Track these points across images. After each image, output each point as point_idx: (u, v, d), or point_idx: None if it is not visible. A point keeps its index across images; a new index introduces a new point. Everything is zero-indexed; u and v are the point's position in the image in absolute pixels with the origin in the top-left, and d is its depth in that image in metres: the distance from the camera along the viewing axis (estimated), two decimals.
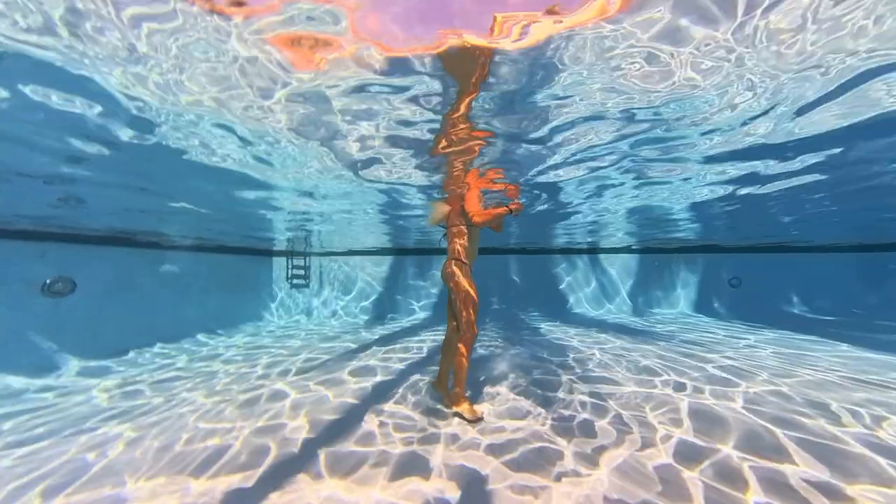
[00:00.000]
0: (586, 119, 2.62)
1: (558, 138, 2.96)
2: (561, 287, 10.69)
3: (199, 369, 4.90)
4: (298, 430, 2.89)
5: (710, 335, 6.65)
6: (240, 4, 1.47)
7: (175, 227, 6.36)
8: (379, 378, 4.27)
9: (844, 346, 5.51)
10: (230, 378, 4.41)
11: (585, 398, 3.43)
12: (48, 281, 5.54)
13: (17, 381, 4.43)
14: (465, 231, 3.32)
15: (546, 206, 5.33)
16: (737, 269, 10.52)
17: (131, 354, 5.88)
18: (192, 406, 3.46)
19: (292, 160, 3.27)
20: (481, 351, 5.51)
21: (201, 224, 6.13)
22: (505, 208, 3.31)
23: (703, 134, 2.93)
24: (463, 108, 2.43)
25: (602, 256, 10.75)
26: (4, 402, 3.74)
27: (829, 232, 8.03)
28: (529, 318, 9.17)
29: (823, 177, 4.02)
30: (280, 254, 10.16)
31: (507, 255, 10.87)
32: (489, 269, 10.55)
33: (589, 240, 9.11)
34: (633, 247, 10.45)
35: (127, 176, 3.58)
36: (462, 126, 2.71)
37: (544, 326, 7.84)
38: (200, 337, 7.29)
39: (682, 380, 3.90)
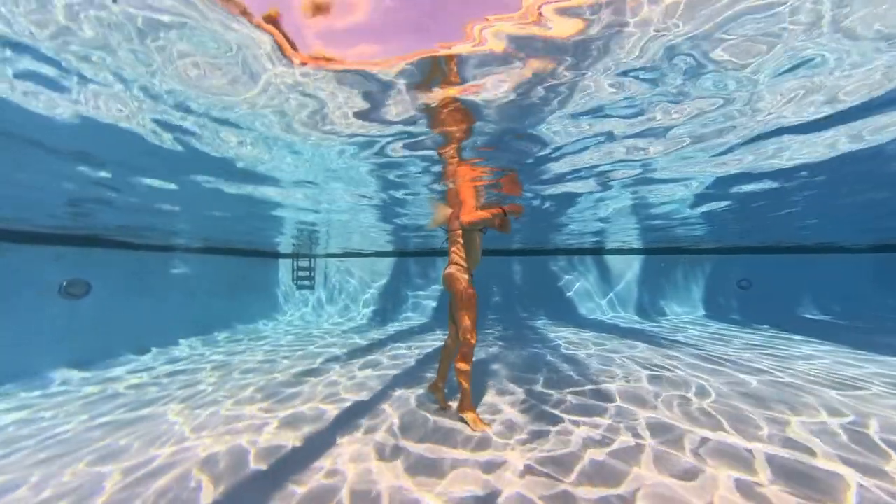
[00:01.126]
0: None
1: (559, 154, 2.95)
2: (564, 289, 10.62)
3: (208, 365, 5.06)
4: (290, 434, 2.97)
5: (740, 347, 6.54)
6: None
7: (188, 232, 6.52)
8: (380, 378, 4.34)
9: None
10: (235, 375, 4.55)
11: (591, 401, 3.44)
12: (64, 283, 5.74)
13: (42, 377, 4.65)
14: (466, 235, 3.23)
15: (550, 207, 5.26)
16: (747, 271, 10.33)
17: (148, 352, 6.08)
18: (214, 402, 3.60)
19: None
20: (490, 352, 5.54)
21: (216, 228, 6.26)
22: (498, 209, 3.19)
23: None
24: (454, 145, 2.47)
25: (608, 258, 10.66)
26: (39, 395, 3.93)
27: (844, 232, 7.78)
28: (535, 320, 9.15)
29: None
30: (286, 256, 10.33)
31: (512, 256, 10.85)
32: (496, 271, 10.55)
33: (594, 240, 9.00)
34: (639, 248, 10.34)
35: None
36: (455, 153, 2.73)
37: (550, 329, 7.81)
38: (209, 336, 7.48)
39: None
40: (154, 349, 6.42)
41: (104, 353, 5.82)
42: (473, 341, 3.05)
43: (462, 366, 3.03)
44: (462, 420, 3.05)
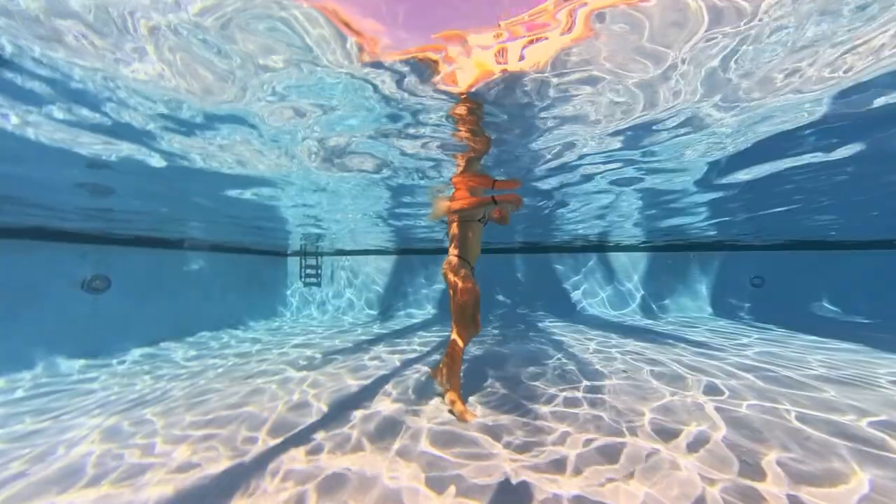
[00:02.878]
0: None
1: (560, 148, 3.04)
2: (569, 287, 10.57)
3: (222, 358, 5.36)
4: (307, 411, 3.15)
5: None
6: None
7: (200, 231, 6.84)
8: (382, 370, 4.48)
9: None
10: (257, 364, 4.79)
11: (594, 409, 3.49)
12: (88, 278, 6.13)
13: (70, 367, 5.03)
14: (464, 227, 3.23)
15: (555, 199, 5.20)
16: (759, 268, 10.04)
17: (164, 345, 6.44)
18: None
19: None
20: (490, 347, 5.63)
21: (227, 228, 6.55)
22: (489, 197, 3.12)
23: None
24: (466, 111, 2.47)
25: (613, 255, 10.54)
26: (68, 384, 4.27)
27: (863, 227, 7.44)
28: (537, 317, 9.16)
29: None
30: (294, 254, 10.65)
31: (514, 253, 10.85)
32: (502, 269, 10.58)
33: (598, 235, 8.89)
34: (646, 245, 10.19)
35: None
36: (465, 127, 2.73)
37: (551, 326, 7.82)
38: (222, 331, 7.83)
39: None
40: (170, 343, 6.77)
41: (128, 344, 6.21)
42: (465, 333, 3.08)
43: (452, 356, 3.08)
44: (450, 411, 3.14)
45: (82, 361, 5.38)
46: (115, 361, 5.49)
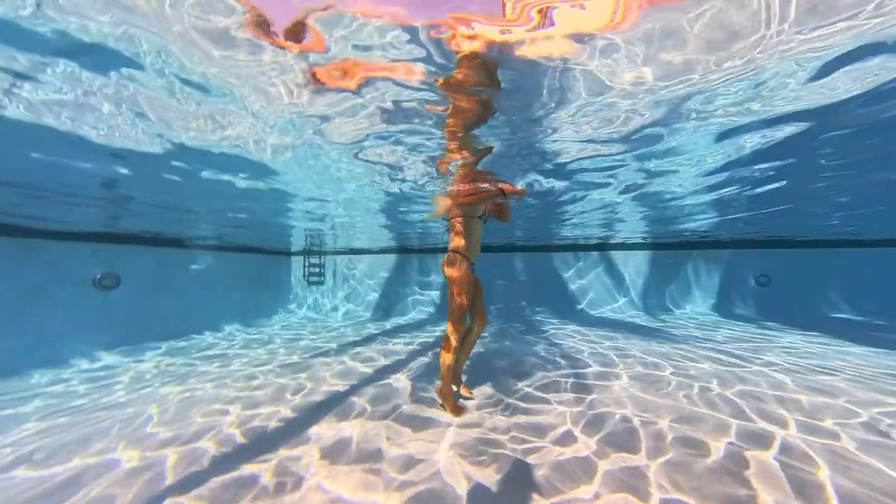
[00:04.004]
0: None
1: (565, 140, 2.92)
2: (571, 287, 10.53)
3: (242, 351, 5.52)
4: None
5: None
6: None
7: (206, 230, 6.99)
8: (387, 365, 4.54)
9: None
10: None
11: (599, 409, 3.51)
12: (98, 276, 6.34)
13: (84, 362, 5.22)
14: (465, 223, 3.26)
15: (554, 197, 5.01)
16: (765, 267, 9.86)
17: (173, 342, 6.64)
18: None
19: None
20: (490, 345, 5.68)
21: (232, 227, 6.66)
22: (496, 189, 3.08)
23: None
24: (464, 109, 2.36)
25: (615, 254, 10.47)
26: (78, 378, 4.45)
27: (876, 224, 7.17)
28: (539, 318, 9.17)
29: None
30: (298, 253, 10.82)
31: (515, 252, 10.85)
32: (503, 268, 10.59)
33: (601, 234, 8.80)
34: (649, 243, 10.10)
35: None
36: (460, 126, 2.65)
37: (553, 326, 7.83)
38: (228, 329, 8.01)
39: None
40: (178, 340, 6.95)
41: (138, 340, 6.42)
42: (460, 327, 3.11)
43: (445, 351, 3.09)
44: (441, 405, 3.20)
45: (99, 356, 5.58)
46: (129, 357, 5.68)
